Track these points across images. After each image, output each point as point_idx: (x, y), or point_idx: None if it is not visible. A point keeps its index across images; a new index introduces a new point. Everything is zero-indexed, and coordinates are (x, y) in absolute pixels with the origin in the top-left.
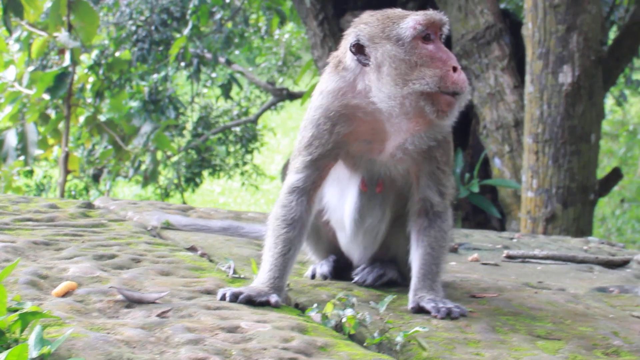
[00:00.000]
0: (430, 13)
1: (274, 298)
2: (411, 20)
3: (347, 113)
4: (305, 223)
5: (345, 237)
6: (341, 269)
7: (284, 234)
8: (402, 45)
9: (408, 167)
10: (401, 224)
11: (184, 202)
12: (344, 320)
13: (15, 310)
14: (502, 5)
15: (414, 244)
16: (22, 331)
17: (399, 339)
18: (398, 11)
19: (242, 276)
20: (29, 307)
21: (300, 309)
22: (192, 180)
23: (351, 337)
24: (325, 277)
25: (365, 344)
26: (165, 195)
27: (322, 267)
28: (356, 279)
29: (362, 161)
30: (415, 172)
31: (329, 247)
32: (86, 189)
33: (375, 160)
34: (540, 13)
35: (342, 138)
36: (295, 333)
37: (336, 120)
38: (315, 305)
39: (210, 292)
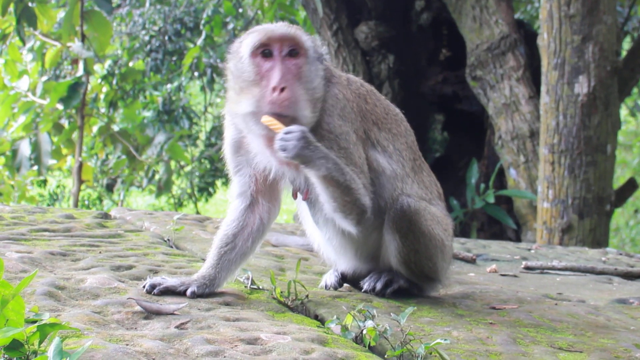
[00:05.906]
0: (266, 28)
1: None
2: (249, 36)
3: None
4: None
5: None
6: (354, 279)
7: None
8: (242, 62)
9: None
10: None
11: (198, 212)
12: (364, 331)
13: (34, 322)
14: (517, 16)
15: None
16: (40, 343)
17: (421, 350)
18: (260, 26)
19: (260, 287)
20: (47, 318)
21: (320, 320)
22: (205, 190)
23: (371, 349)
24: (335, 288)
25: (385, 356)
26: (179, 205)
27: (330, 278)
28: (365, 287)
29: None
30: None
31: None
32: (100, 198)
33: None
34: (556, 23)
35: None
36: (316, 345)
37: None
38: (335, 316)
39: (228, 304)
